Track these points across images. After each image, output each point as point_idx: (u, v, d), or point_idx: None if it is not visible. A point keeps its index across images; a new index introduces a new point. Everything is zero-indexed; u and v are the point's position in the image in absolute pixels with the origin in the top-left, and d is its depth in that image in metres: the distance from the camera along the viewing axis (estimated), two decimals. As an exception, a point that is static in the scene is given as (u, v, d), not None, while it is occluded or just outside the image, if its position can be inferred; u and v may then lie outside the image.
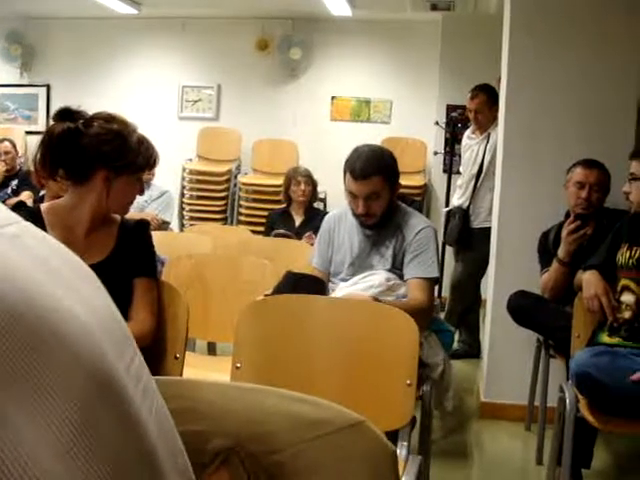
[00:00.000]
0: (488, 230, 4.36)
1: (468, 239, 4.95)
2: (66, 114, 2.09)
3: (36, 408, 0.44)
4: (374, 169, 2.86)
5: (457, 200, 5.10)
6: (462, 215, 4.97)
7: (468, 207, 4.96)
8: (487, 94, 4.91)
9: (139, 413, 0.53)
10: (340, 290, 2.87)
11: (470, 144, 5.07)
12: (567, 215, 3.51)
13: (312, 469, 0.93)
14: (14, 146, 6.15)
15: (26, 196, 5.21)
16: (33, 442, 0.43)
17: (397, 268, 2.94)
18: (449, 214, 5.18)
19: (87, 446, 0.47)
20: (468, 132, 5.20)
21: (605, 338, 2.77)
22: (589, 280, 2.90)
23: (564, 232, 3.35)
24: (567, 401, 2.64)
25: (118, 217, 2.28)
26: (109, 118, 2.13)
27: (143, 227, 2.33)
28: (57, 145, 2.08)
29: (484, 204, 4.86)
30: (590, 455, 3.04)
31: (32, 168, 4.45)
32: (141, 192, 2.28)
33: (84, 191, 2.16)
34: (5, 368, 0.43)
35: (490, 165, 4.75)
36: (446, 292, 5.36)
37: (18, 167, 6.06)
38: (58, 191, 3.96)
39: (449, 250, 5.73)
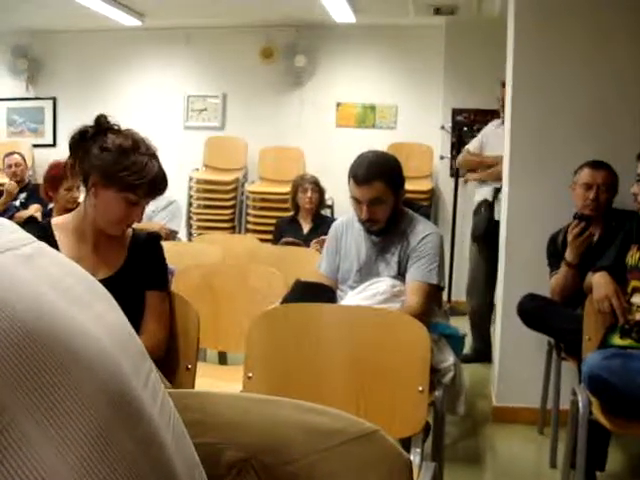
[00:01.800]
0: None
1: (494, 232, 4.59)
2: (98, 120, 2.13)
3: (53, 425, 0.44)
4: (376, 174, 2.86)
5: (481, 195, 4.97)
6: (487, 207, 4.84)
7: (493, 199, 4.81)
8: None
9: (157, 428, 0.53)
10: (348, 299, 2.87)
11: (498, 133, 4.76)
12: (575, 217, 3.50)
13: (327, 479, 0.93)
14: (23, 159, 6.19)
15: (34, 209, 5.22)
16: (52, 459, 0.43)
17: (402, 275, 2.93)
18: (476, 210, 5.04)
19: (106, 462, 0.47)
20: (497, 122, 5.02)
21: (617, 340, 2.76)
22: (599, 282, 2.89)
23: (569, 236, 3.34)
24: (580, 404, 2.62)
25: (130, 230, 2.28)
26: (120, 132, 2.14)
27: (155, 240, 2.34)
28: (72, 144, 2.14)
29: None
30: (604, 457, 3.02)
31: (40, 181, 4.48)
32: (137, 218, 2.22)
33: (87, 203, 2.18)
34: (22, 386, 0.43)
35: None
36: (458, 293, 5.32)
37: (27, 180, 6.08)
38: (65, 204, 3.99)
39: (459, 252, 5.74)
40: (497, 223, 4.62)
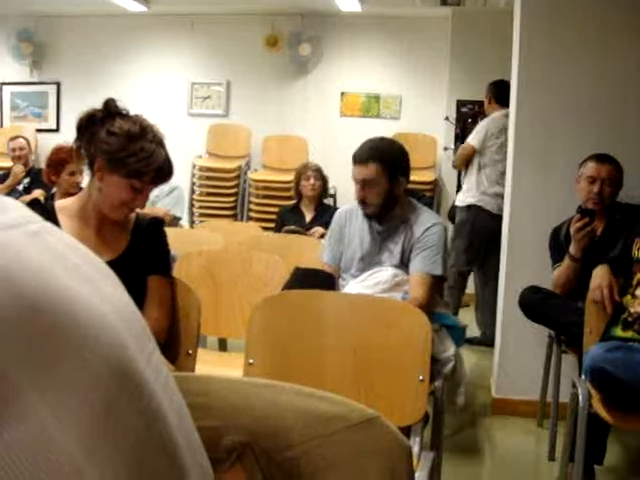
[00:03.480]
0: (460, 208, 5.10)
1: (453, 216, 5.40)
2: (107, 104, 2.13)
3: (57, 395, 0.44)
4: (372, 155, 2.92)
5: None
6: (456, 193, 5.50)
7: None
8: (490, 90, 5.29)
9: (160, 406, 0.53)
10: (350, 288, 2.87)
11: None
12: (578, 211, 3.49)
13: (327, 465, 0.93)
14: (28, 143, 6.18)
15: (38, 194, 5.22)
16: (56, 430, 0.43)
17: (405, 265, 2.93)
18: None
19: (110, 435, 0.47)
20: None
21: (619, 332, 2.76)
22: (596, 273, 2.92)
23: (572, 230, 3.34)
24: (580, 397, 2.62)
25: (133, 215, 2.28)
26: (128, 117, 2.13)
27: (158, 225, 2.33)
28: (79, 127, 2.14)
29: (466, 181, 5.28)
30: (603, 451, 3.03)
31: (43, 166, 4.48)
32: (140, 205, 2.23)
33: (92, 187, 2.18)
34: (26, 357, 0.43)
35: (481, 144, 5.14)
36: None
37: (31, 165, 6.08)
38: (68, 188, 3.99)
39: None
40: (454, 207, 5.43)
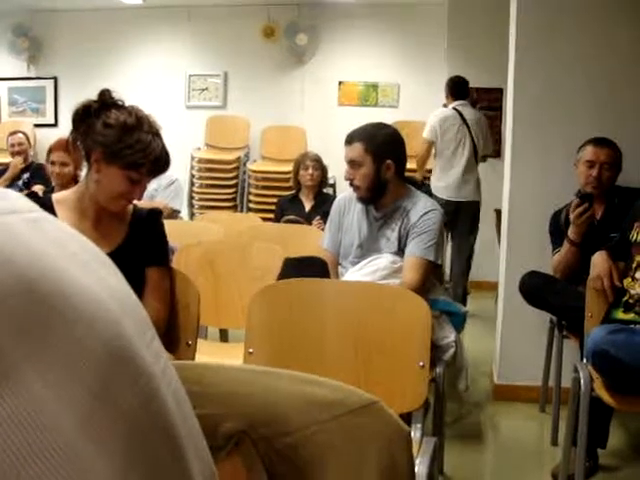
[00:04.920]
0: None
1: None
2: (102, 95, 2.12)
3: (54, 375, 0.44)
4: (357, 136, 2.95)
5: None
6: None
7: None
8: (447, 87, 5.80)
9: (159, 388, 0.53)
10: (349, 276, 2.87)
11: None
12: (577, 195, 3.48)
13: (325, 451, 0.93)
14: (27, 138, 6.16)
15: (37, 189, 5.21)
16: (53, 407, 0.44)
17: (403, 251, 2.92)
18: None
19: (107, 414, 0.47)
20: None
21: (620, 314, 2.76)
22: (595, 261, 2.91)
23: (571, 215, 3.33)
24: (582, 381, 2.62)
25: (130, 206, 2.28)
26: (124, 108, 2.13)
27: (155, 216, 2.33)
28: (75, 119, 2.12)
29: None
30: (606, 435, 3.03)
31: (42, 161, 4.46)
32: (138, 196, 2.21)
33: (89, 179, 2.17)
34: (24, 337, 0.43)
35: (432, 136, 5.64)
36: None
37: (30, 160, 6.07)
38: (56, 178, 3.98)
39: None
40: None
